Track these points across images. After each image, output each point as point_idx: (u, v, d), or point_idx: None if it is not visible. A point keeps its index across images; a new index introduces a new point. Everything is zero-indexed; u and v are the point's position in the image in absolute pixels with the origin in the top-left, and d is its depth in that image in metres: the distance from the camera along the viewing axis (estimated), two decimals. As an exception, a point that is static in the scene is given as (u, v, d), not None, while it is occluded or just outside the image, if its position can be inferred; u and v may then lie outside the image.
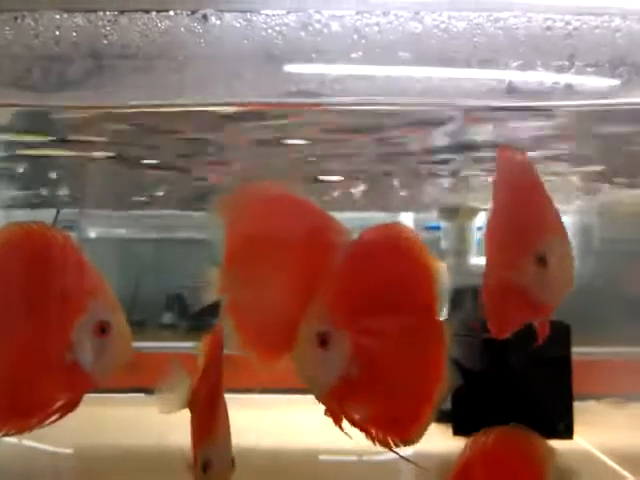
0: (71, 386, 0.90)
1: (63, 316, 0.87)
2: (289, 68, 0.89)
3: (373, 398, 0.86)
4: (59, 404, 0.90)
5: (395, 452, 0.90)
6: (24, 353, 0.89)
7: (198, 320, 1.01)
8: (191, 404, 0.98)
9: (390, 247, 0.87)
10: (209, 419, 0.95)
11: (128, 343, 0.89)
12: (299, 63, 0.89)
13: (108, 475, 1.49)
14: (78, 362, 0.88)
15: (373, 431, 0.87)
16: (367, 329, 0.84)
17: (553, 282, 0.87)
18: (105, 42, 0.77)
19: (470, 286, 0.94)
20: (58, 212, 3.15)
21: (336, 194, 2.03)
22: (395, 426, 0.88)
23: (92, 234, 3.43)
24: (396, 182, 1.87)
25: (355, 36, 0.83)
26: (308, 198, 0.89)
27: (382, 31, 0.82)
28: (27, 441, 1.70)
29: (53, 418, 0.90)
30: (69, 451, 1.70)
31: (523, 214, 0.87)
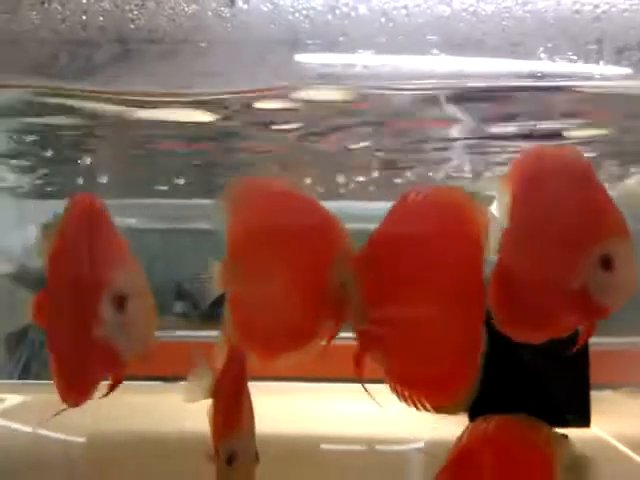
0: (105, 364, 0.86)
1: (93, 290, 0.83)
2: (315, 52, 0.89)
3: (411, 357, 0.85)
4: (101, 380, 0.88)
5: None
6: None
7: (210, 309, 1.01)
8: (215, 394, 0.99)
9: (438, 206, 0.85)
10: (234, 412, 0.94)
11: (148, 316, 0.86)
12: (326, 47, 0.88)
13: (122, 462, 1.50)
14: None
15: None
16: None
17: (618, 286, 0.84)
18: (132, 26, 0.77)
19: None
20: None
21: (351, 183, 2.03)
22: (437, 388, 0.87)
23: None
24: (409, 170, 1.86)
25: (383, 19, 0.82)
26: (309, 194, 0.88)
27: (410, 14, 0.81)
28: (41, 430, 1.71)
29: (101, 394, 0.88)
30: (83, 439, 1.71)
31: (577, 213, 0.82)
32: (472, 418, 1.71)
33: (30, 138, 1.54)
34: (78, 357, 0.87)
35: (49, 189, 2.25)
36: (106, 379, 0.88)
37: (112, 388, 0.87)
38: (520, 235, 0.85)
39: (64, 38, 0.81)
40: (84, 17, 0.77)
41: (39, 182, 2.14)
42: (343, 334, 0.85)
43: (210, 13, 0.78)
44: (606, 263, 0.81)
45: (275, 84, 0.96)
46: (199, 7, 0.78)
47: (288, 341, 0.88)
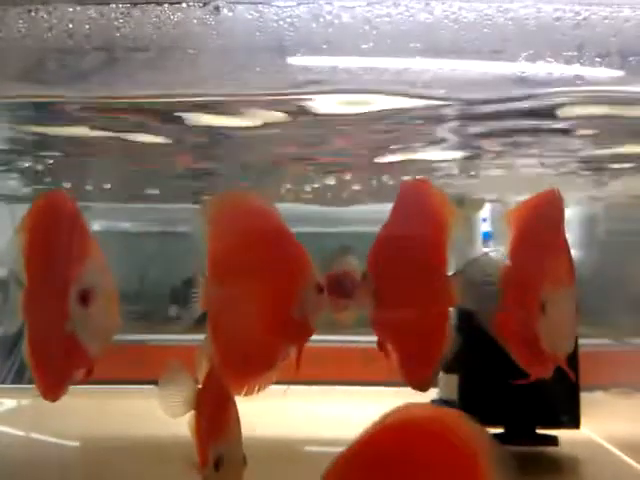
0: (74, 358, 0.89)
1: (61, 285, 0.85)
2: (300, 59, 0.90)
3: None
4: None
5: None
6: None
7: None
8: (198, 402, 0.97)
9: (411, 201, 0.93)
10: (221, 417, 0.93)
11: (112, 311, 0.87)
12: (310, 54, 0.89)
13: (115, 466, 1.50)
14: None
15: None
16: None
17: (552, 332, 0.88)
18: (118, 35, 0.78)
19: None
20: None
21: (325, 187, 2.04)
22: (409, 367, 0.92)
23: (97, 227, 3.43)
24: (400, 173, 1.87)
25: (366, 27, 0.83)
26: (277, 213, 0.91)
27: (393, 22, 0.82)
28: (34, 434, 1.71)
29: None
30: (76, 443, 1.71)
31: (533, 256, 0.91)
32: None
33: (20, 145, 1.55)
34: (52, 352, 0.88)
35: (36, 193, 2.25)
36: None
37: (85, 379, 0.88)
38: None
39: (50, 46, 0.82)
40: (70, 25, 0.77)
41: (31, 187, 2.14)
42: (326, 338, 0.90)
43: (195, 21, 0.79)
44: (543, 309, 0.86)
45: (261, 90, 0.97)
46: (184, 15, 0.79)
47: (254, 363, 0.93)
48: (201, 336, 1.02)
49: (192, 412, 0.98)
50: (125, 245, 3.38)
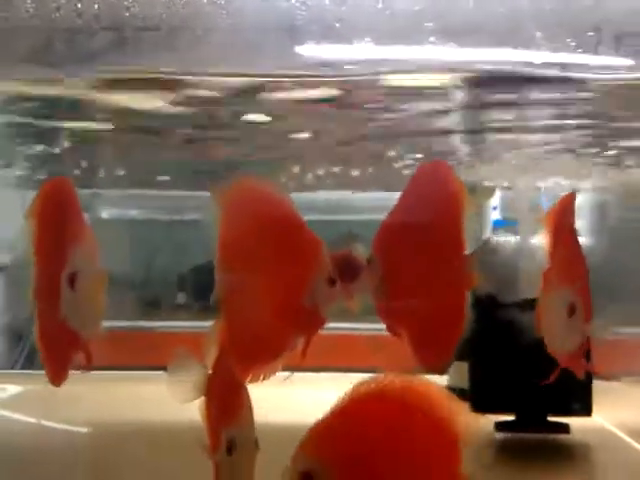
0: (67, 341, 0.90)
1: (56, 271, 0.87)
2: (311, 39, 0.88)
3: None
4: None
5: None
6: None
7: (210, 300, 1.01)
8: (208, 390, 0.97)
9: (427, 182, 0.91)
10: (232, 401, 0.93)
11: (95, 295, 0.87)
12: (322, 33, 0.88)
13: (125, 452, 1.50)
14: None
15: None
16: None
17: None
18: (127, 14, 0.76)
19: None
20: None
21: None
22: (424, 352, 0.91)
23: (105, 215, 3.43)
24: (411, 160, 1.86)
25: (380, 5, 0.82)
26: (290, 201, 0.90)
27: (407, 0, 0.80)
28: (45, 420, 1.71)
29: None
30: (86, 429, 1.71)
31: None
32: (474, 408, 1.71)
33: (31, 130, 1.54)
34: (53, 337, 0.89)
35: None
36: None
37: (87, 365, 0.90)
38: None
39: (59, 26, 0.80)
40: (79, 5, 0.76)
41: (41, 173, 2.14)
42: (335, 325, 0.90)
43: (205, 0, 0.77)
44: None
45: (272, 71, 0.95)
46: (194, -6, 0.77)
47: (262, 351, 0.91)
48: (209, 322, 1.02)
49: (202, 398, 0.98)
50: (133, 233, 3.39)
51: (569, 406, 1.49)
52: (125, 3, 0.76)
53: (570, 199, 1.03)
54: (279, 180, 2.13)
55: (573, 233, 0.98)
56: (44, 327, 0.92)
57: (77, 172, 2.15)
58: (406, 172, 1.99)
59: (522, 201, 2.05)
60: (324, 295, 0.88)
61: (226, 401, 0.93)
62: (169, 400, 0.96)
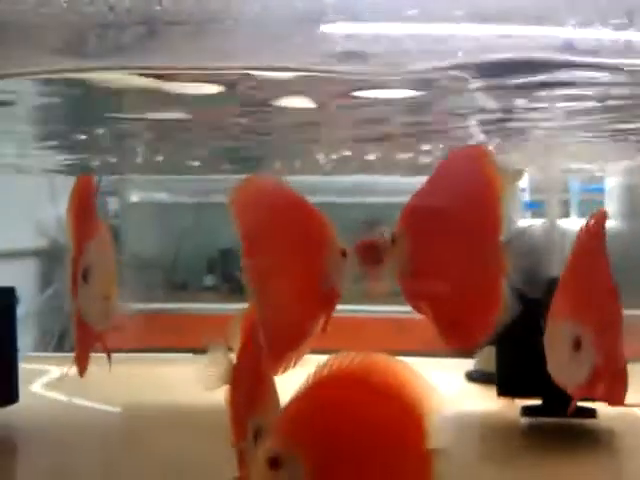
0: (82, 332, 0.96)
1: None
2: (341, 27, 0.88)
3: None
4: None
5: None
6: None
7: (238, 282, 1.03)
8: (233, 379, 0.98)
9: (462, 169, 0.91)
10: (257, 389, 0.94)
11: (107, 291, 0.91)
12: (352, 20, 0.87)
13: (154, 431, 1.54)
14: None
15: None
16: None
17: None
18: (158, 8, 0.77)
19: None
20: (100, 179, 3.21)
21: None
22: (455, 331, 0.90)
23: (134, 199, 3.48)
24: (437, 144, 1.85)
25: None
26: (301, 194, 0.93)
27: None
28: (77, 399, 1.76)
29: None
30: (117, 409, 1.75)
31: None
32: (500, 392, 1.71)
33: (60, 118, 1.57)
34: (74, 329, 0.94)
35: (77, 165, 2.29)
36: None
37: (108, 357, 0.94)
38: None
39: (91, 21, 0.82)
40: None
41: (70, 159, 2.18)
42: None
43: (235, -8, 0.78)
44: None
45: (301, 62, 0.96)
46: (224, -13, 0.78)
47: (289, 341, 0.94)
48: (236, 305, 1.04)
49: (227, 386, 1.00)
50: (162, 216, 3.43)
51: (597, 391, 1.49)
52: (156, -4, 0.77)
53: (600, 219, 0.97)
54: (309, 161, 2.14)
55: (598, 258, 0.93)
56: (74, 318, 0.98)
57: (107, 158, 2.18)
58: (424, 158, 1.99)
59: (551, 183, 2.03)
60: (338, 269, 0.91)
61: (252, 390, 0.94)
62: (197, 383, 0.99)
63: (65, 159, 2.15)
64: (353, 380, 0.71)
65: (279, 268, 0.94)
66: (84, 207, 0.96)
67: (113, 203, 3.32)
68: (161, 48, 0.86)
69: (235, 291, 3.18)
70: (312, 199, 0.96)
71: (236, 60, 0.91)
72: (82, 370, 1.00)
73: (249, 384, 0.95)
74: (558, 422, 1.52)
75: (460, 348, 0.96)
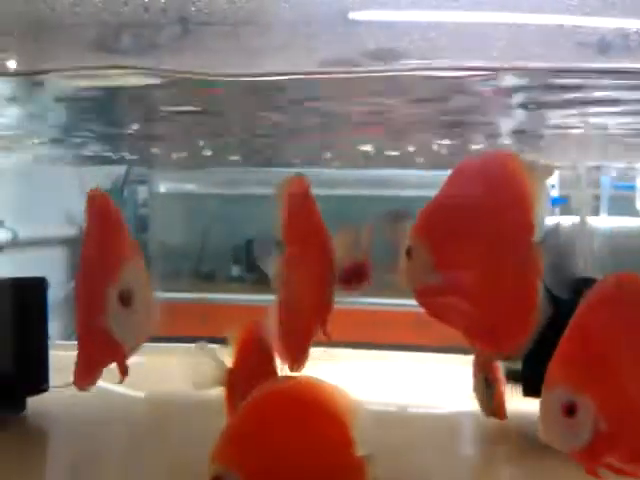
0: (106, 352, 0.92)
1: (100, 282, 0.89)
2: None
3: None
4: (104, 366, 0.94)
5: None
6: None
7: (264, 273, 1.04)
8: (229, 383, 1.02)
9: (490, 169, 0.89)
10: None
11: (150, 314, 0.89)
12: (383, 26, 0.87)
13: (176, 417, 1.56)
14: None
15: None
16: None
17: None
18: (193, 8, 0.78)
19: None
20: (129, 169, 3.24)
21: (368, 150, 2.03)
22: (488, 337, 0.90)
23: (162, 189, 3.51)
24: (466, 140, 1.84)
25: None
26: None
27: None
28: (104, 383, 1.79)
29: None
30: (141, 395, 1.78)
31: None
32: (526, 391, 1.70)
33: (90, 110, 1.58)
34: (86, 343, 0.91)
35: (107, 156, 2.31)
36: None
37: (122, 373, 0.92)
38: None
39: (126, 21, 0.83)
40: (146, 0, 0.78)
41: (98, 150, 2.20)
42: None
43: (269, -6, 0.78)
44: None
45: (333, 62, 0.96)
46: (258, -12, 0.78)
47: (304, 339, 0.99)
48: (262, 295, 1.07)
49: (222, 389, 1.02)
50: (189, 206, 3.45)
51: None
52: (191, -3, 0.78)
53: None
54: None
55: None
56: (84, 330, 0.94)
57: (136, 149, 2.20)
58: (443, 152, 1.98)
59: (581, 180, 2.01)
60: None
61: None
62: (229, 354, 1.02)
63: (94, 150, 2.18)
64: (286, 400, 0.79)
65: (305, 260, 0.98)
66: (119, 224, 0.91)
67: (142, 193, 3.35)
68: (195, 48, 0.86)
69: (260, 282, 3.20)
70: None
71: (268, 61, 0.91)
72: (86, 383, 0.96)
73: (252, 387, 0.97)
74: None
75: (500, 353, 0.94)
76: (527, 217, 0.87)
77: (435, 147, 1.92)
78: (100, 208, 0.92)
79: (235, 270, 3.44)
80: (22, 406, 1.58)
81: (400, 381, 1.81)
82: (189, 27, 0.82)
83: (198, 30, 0.83)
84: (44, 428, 1.57)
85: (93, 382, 0.95)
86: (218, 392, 1.08)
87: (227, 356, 1.06)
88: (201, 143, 2.01)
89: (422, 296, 0.89)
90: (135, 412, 1.62)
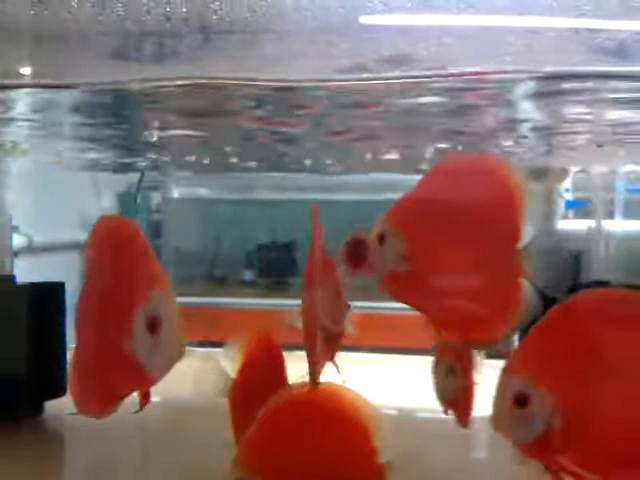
0: (131, 379, 0.89)
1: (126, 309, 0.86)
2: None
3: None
4: (127, 395, 0.92)
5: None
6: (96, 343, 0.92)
7: (277, 278, 1.04)
8: (233, 395, 1.00)
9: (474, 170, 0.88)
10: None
11: (179, 341, 0.86)
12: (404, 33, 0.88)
13: (192, 422, 1.57)
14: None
15: None
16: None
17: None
18: (215, 17, 0.79)
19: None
20: (142, 175, 3.26)
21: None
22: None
23: (176, 194, 3.53)
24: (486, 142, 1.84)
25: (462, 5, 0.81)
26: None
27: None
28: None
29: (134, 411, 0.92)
30: (157, 399, 1.78)
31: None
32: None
33: (103, 118, 1.60)
34: (105, 369, 0.90)
35: (121, 162, 2.33)
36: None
37: (143, 403, 0.91)
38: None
39: (148, 29, 0.84)
40: (168, 8, 0.79)
41: (112, 157, 2.22)
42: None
43: (289, 1, 0.79)
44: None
45: (352, 69, 0.97)
46: (278, -4, 0.79)
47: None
48: (274, 300, 1.06)
49: (226, 400, 1.01)
50: (202, 211, 3.47)
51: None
52: (212, 6, 0.79)
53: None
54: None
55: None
56: (89, 357, 0.92)
57: (150, 155, 2.21)
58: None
59: (595, 184, 2.01)
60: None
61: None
62: (235, 365, 1.01)
63: (109, 156, 2.20)
64: (308, 407, 0.79)
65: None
66: (146, 250, 0.88)
67: (155, 198, 3.37)
68: (216, 56, 0.87)
69: (272, 286, 3.21)
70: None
71: (287, 69, 0.92)
72: (105, 412, 0.94)
73: (260, 398, 0.92)
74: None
75: (474, 341, 0.92)
76: (512, 220, 0.86)
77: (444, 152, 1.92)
78: (127, 234, 0.89)
79: (248, 275, 3.45)
80: (40, 410, 1.60)
81: (409, 384, 1.82)
82: (211, 36, 0.82)
83: (219, 38, 0.84)
84: (61, 432, 1.59)
85: (114, 410, 0.94)
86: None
87: (233, 359, 1.03)
88: (223, 149, 2.02)
89: (389, 283, 0.88)
90: (151, 416, 1.63)
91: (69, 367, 0.98)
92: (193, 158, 2.10)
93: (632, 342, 0.74)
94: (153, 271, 0.86)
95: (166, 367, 0.86)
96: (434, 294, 0.88)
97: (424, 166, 2.01)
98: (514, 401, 0.74)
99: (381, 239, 0.87)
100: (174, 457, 1.36)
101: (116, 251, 0.89)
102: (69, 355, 0.99)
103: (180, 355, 0.86)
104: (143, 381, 0.88)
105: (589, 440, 0.74)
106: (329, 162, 2.21)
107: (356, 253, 0.95)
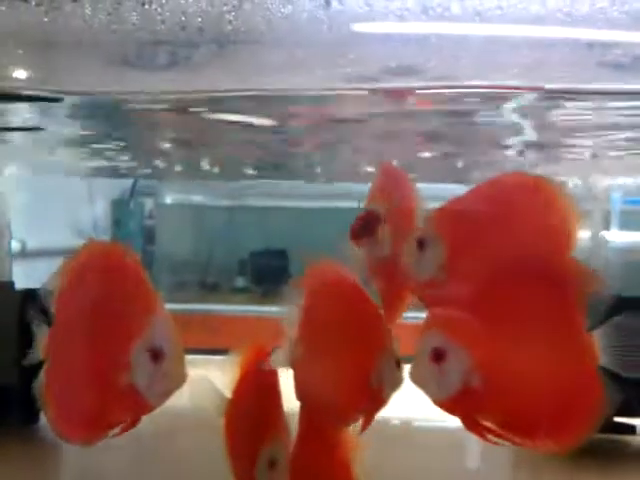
0: (127, 408, 0.87)
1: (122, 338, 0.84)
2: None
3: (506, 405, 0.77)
4: (119, 424, 0.88)
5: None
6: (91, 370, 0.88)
7: (269, 285, 1.04)
8: (229, 414, 0.98)
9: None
10: (267, 420, 0.95)
11: (182, 369, 0.85)
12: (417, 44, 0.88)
13: (187, 431, 1.56)
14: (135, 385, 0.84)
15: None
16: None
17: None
18: (229, 27, 0.79)
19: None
20: (136, 181, 3.25)
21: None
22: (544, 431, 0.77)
23: (169, 200, 3.52)
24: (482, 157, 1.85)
25: (477, 19, 0.82)
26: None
27: (504, 14, 0.80)
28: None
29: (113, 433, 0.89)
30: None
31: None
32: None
33: (102, 124, 1.59)
34: (97, 398, 0.86)
35: (115, 168, 2.32)
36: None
37: (127, 429, 0.87)
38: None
39: (163, 39, 0.84)
40: (183, 18, 0.79)
41: (107, 163, 2.21)
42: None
43: (305, 15, 0.79)
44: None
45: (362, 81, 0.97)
46: (294, 8, 0.79)
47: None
48: (267, 307, 1.05)
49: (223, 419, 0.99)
50: (195, 218, 3.47)
51: (636, 407, 1.48)
52: (227, 17, 0.79)
53: None
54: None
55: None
56: (75, 386, 0.89)
57: (143, 162, 2.21)
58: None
59: (593, 196, 2.02)
60: (390, 377, 0.86)
61: (260, 421, 0.95)
62: (229, 384, 1.00)
63: (102, 163, 2.19)
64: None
65: (330, 359, 0.91)
66: (141, 276, 0.85)
67: (149, 205, 3.36)
68: (229, 67, 0.87)
69: (264, 294, 3.20)
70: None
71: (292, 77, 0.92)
72: (96, 440, 0.89)
73: (255, 417, 0.95)
74: (598, 438, 1.51)
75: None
76: (560, 253, 0.79)
77: (451, 161, 1.94)
78: (120, 262, 0.86)
79: (240, 281, 3.43)
80: (35, 418, 1.58)
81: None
82: (226, 47, 0.82)
83: (234, 49, 0.84)
84: (56, 440, 1.57)
85: (105, 437, 0.90)
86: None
87: (228, 373, 1.01)
88: (211, 156, 2.02)
89: (422, 290, 0.84)
90: (147, 425, 1.62)
91: (40, 389, 0.93)
92: (186, 165, 2.10)
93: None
94: (148, 298, 0.84)
95: (167, 395, 0.85)
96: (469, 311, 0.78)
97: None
98: (431, 356, 0.74)
99: (421, 244, 0.82)
100: (168, 467, 1.35)
101: (105, 280, 0.87)
102: (40, 377, 0.93)
103: (182, 382, 0.85)
104: (141, 410, 0.86)
105: (504, 398, 0.74)
106: (320, 170, 2.22)
107: (366, 225, 0.92)
